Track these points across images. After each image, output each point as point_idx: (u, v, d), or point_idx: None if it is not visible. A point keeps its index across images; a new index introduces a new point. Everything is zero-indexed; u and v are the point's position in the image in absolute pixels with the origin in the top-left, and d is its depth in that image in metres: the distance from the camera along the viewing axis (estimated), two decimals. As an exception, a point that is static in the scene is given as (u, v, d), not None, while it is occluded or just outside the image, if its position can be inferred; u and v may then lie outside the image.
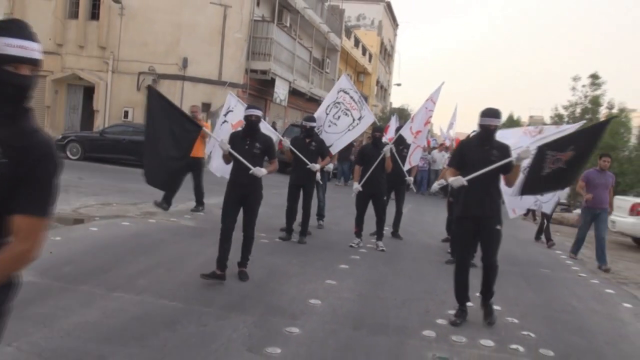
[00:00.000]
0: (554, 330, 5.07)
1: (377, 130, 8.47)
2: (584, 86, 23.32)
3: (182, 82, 21.14)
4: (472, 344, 4.42)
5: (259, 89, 22.38)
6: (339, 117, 8.92)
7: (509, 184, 5.09)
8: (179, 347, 3.86)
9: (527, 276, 7.32)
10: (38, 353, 3.53)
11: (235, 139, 5.72)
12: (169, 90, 21.28)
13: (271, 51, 21.51)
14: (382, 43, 43.97)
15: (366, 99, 38.92)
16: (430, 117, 9.13)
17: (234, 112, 8.42)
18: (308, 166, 7.80)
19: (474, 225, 4.95)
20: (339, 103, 8.99)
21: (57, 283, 4.98)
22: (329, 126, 8.97)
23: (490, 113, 4.92)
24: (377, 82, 44.88)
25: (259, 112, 5.71)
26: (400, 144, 9.07)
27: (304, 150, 7.92)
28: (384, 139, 8.70)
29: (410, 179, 9.19)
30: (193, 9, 21.13)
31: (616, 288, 7.29)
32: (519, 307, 5.67)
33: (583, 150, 5.11)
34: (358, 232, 8.21)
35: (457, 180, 4.86)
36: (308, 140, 8.07)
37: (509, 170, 4.93)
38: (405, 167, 9.09)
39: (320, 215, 9.52)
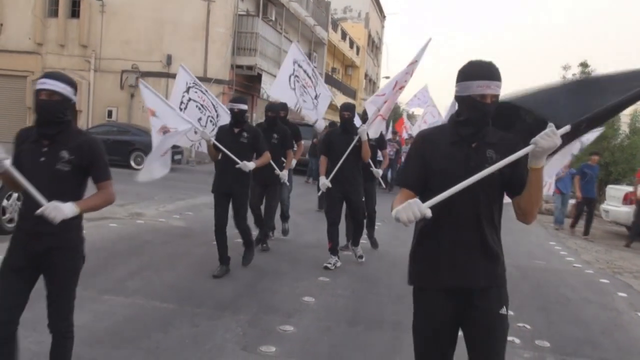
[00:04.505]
0: (550, 322, 5.07)
1: (346, 109, 6.52)
2: (574, 75, 23.50)
3: (167, 80, 20.87)
4: (468, 338, 4.38)
5: (245, 84, 22.23)
6: (305, 91, 7.88)
7: (527, 216, 2.32)
8: (172, 349, 3.83)
9: (522, 268, 7.29)
10: (30, 358, 3.46)
11: (24, 145, 2.81)
12: (154, 88, 21.00)
13: (257, 46, 21.35)
14: (369, 35, 43.88)
15: (355, 92, 39.05)
16: (406, 81, 6.66)
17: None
18: (237, 165, 5.61)
19: (451, 306, 2.39)
20: (297, 77, 7.77)
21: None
22: (304, 102, 7.81)
23: (479, 72, 2.26)
24: (366, 75, 44.82)
25: (62, 87, 2.70)
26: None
27: (231, 144, 5.70)
28: None
29: (378, 172, 7.43)
30: (176, 5, 20.91)
31: (610, 278, 7.31)
32: (514, 299, 5.55)
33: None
34: (333, 248, 6.42)
35: (408, 209, 2.11)
36: (237, 130, 5.77)
37: (521, 186, 2.27)
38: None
39: (284, 217, 8.02)
